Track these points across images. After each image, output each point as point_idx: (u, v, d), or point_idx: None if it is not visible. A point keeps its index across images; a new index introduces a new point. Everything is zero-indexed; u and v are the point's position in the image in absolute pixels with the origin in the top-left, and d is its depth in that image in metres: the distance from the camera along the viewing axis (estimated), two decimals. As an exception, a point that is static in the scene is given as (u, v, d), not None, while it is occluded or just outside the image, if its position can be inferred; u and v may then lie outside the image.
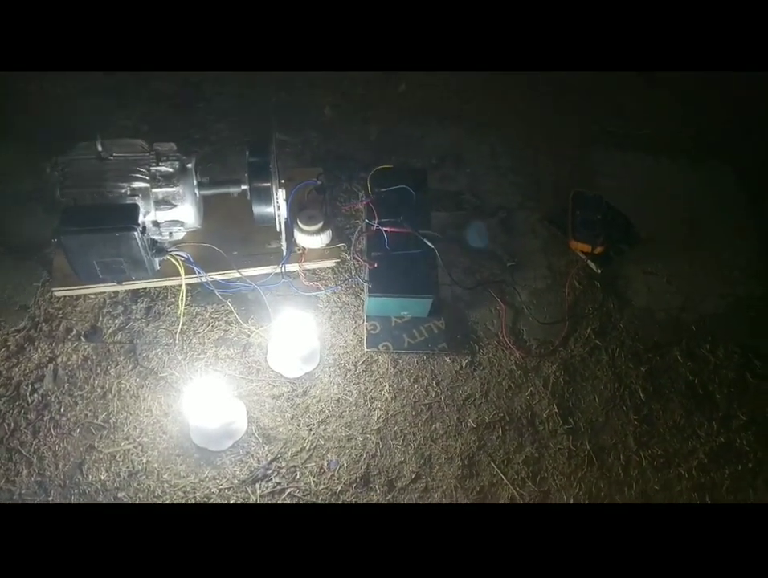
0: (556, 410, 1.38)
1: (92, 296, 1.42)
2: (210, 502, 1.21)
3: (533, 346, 1.47)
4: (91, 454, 1.25)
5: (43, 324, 1.38)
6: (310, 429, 1.31)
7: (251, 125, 1.74)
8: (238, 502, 1.22)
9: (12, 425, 1.26)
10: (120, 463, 1.25)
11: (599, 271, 1.57)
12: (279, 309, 1.38)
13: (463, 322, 1.49)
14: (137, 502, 1.20)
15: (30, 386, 1.31)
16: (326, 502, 1.23)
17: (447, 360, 1.43)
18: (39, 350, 1.35)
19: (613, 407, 1.40)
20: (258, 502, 1.21)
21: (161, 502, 1.21)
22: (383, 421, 1.34)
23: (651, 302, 1.56)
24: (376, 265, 1.41)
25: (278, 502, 1.22)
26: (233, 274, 1.42)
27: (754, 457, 1.36)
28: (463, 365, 1.43)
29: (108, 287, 1.39)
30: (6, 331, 1.36)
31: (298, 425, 1.32)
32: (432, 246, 1.43)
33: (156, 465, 1.25)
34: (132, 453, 1.26)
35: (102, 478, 1.23)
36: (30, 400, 1.29)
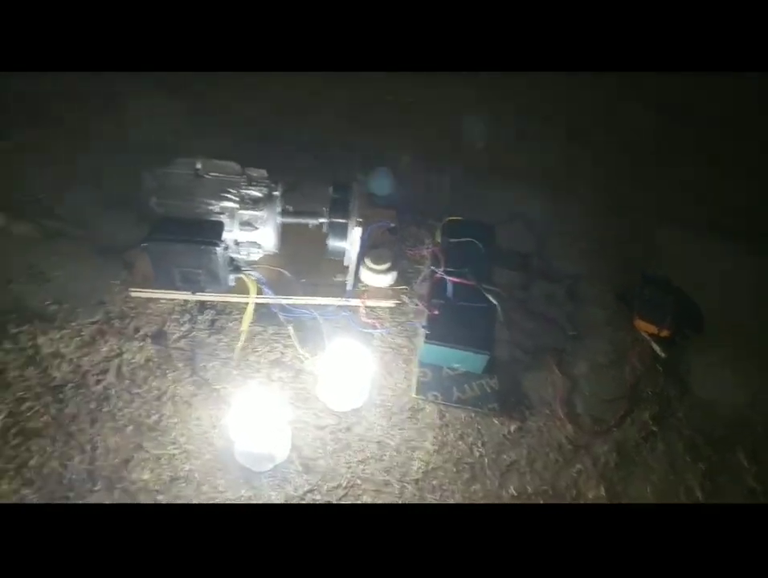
0: (603, 493, 1.33)
1: (164, 301, 1.49)
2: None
3: (586, 421, 1.43)
4: (139, 453, 1.28)
5: (116, 321, 1.45)
6: (349, 467, 1.31)
7: (330, 162, 1.81)
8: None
9: (74, 411, 1.31)
10: (165, 466, 1.27)
11: (663, 355, 1.53)
12: (335, 341, 1.40)
13: (516, 385, 1.47)
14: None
15: (95, 377, 1.37)
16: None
17: (496, 422, 1.41)
18: (108, 344, 1.41)
19: (665, 501, 1.33)
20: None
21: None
22: (423, 472, 1.32)
23: (715, 394, 1.49)
24: (436, 312, 1.42)
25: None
26: (298, 300, 1.45)
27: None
28: (512, 430, 1.40)
29: (181, 295, 1.45)
30: (82, 321, 1.43)
31: (337, 461, 1.32)
32: (495, 302, 1.43)
33: (197, 475, 1.27)
34: (176, 459, 1.28)
35: (145, 478, 1.25)
36: (93, 391, 1.35)
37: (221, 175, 1.36)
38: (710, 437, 1.42)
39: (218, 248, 1.24)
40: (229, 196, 1.33)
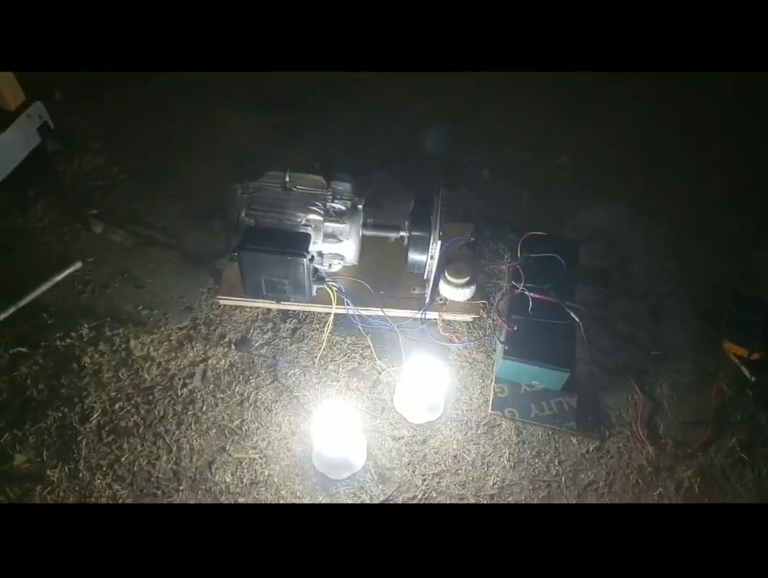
0: (687, 519, 1.28)
1: (248, 309, 1.55)
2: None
3: (668, 444, 1.39)
4: (222, 455, 1.34)
5: (202, 327, 1.52)
6: (424, 479, 1.32)
7: (409, 177, 1.83)
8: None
9: (162, 412, 1.38)
10: (245, 470, 1.32)
11: (753, 379, 1.46)
12: (412, 353, 1.42)
13: (596, 404, 1.44)
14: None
15: (182, 380, 1.43)
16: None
17: (574, 441, 1.38)
18: (195, 349, 1.48)
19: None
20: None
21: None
22: (498, 488, 1.31)
23: (810, 424, 1.42)
24: (515, 328, 1.41)
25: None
26: (376, 311, 1.48)
27: None
28: (590, 449, 1.37)
29: (265, 304, 1.50)
30: (171, 326, 1.51)
31: (413, 472, 1.33)
32: (577, 319, 1.41)
33: (276, 479, 1.31)
34: (257, 463, 1.33)
35: (227, 480, 1.30)
36: (179, 394, 1.41)
37: (308, 188, 1.40)
38: (805, 467, 1.35)
39: (304, 259, 1.28)
40: (315, 208, 1.38)
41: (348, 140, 1.97)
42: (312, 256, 1.32)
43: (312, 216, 1.38)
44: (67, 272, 1.56)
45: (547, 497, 1.31)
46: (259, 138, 1.95)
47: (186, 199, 1.75)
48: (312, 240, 1.36)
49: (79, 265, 1.58)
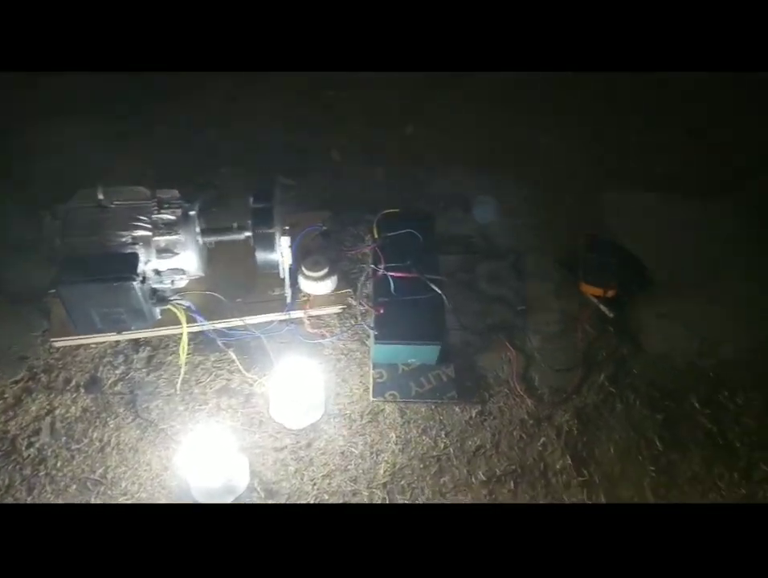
0: (569, 462, 1.32)
1: (93, 346, 1.39)
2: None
3: (545, 394, 1.42)
4: (87, 512, 1.20)
5: (42, 375, 1.35)
6: (314, 484, 1.26)
7: (256, 169, 1.73)
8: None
9: (7, 480, 1.22)
10: (117, 521, 1.19)
11: (612, 316, 1.53)
12: (283, 357, 1.34)
13: (473, 369, 1.44)
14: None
15: (26, 440, 1.27)
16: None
17: (457, 410, 1.38)
18: (37, 402, 1.32)
19: (629, 458, 1.34)
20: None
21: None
22: (390, 474, 1.28)
23: (666, 347, 1.51)
24: (382, 311, 1.38)
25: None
26: (236, 322, 1.39)
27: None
28: (473, 415, 1.38)
29: (107, 337, 1.36)
30: (3, 382, 1.33)
31: (302, 479, 1.27)
32: (439, 291, 1.40)
33: (154, 523, 1.20)
34: (129, 511, 1.21)
35: (98, 537, 1.17)
36: (25, 455, 1.25)
37: (128, 202, 1.27)
38: (665, 389, 1.43)
39: (134, 282, 1.16)
40: (139, 223, 1.25)
41: (183, 140, 1.83)
42: (144, 277, 1.19)
43: (137, 232, 1.24)
44: None
45: (439, 471, 1.29)
46: (81, 152, 1.76)
47: (2, 235, 1.54)
48: (142, 259, 1.23)
49: None
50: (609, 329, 1.52)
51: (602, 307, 1.54)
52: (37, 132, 1.79)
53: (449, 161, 1.85)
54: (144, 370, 1.38)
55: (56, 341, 1.35)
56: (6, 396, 1.31)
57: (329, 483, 1.27)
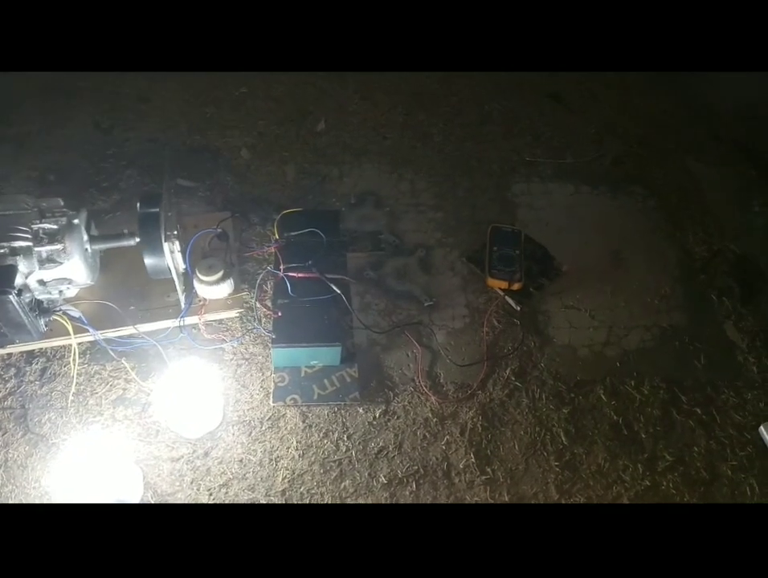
0: (473, 460, 1.32)
1: (-19, 360, 1.35)
2: None
3: (450, 390, 1.42)
4: (-28, 533, 1.16)
5: (-75, 392, 1.30)
6: (210, 494, 1.24)
7: (161, 171, 1.69)
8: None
9: None
10: (3, 541, 1.16)
11: (518, 308, 1.53)
12: (178, 364, 1.32)
13: (378, 368, 1.43)
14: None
15: None
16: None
17: (360, 411, 1.37)
18: None
19: (533, 453, 1.34)
20: None
21: None
22: (289, 481, 1.27)
23: (573, 338, 1.52)
24: (279, 314, 1.36)
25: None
26: (129, 330, 1.35)
27: (681, 501, 1.31)
28: (377, 415, 1.37)
29: (1, 350, 1.32)
30: None
31: (198, 490, 1.24)
32: (338, 291, 1.38)
33: (41, 541, 1.16)
34: (15, 531, 1.17)
35: (-20, 559, 1.14)
36: None
37: (6, 212, 1.22)
38: (571, 381, 1.44)
39: (9, 296, 1.12)
40: (18, 234, 1.20)
41: (84, 143, 1.77)
42: (21, 290, 1.15)
43: (16, 243, 1.20)
44: None
45: (339, 476, 1.28)
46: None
47: None
48: (22, 270, 1.19)
49: None
50: (516, 322, 1.53)
51: (508, 300, 1.55)
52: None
53: (360, 157, 1.83)
54: (37, 383, 1.34)
55: (-63, 358, 1.30)
56: None
57: (226, 492, 1.25)
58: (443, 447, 1.34)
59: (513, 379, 1.44)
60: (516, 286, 1.54)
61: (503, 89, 2.06)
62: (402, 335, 1.48)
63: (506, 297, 1.54)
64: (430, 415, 1.38)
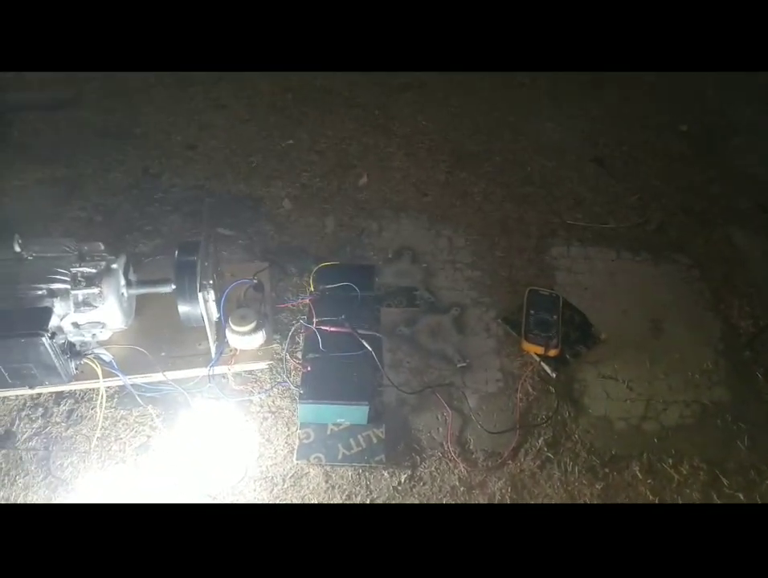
0: (500, 533, 1.25)
1: (12, 397, 1.36)
2: None
3: (479, 458, 1.36)
4: (-15, 578, 1.14)
5: (-46, 428, 1.31)
6: (227, 552, 1.20)
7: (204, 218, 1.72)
8: None
9: None
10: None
11: (554, 375, 1.49)
12: (204, 415, 1.30)
13: (406, 430, 1.39)
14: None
15: (-73, 499, 1.22)
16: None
17: (385, 474, 1.32)
18: (-55, 456, 1.27)
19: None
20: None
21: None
22: (307, 543, 1.22)
23: (609, 409, 1.45)
24: (309, 368, 1.34)
25: None
26: (158, 376, 1.35)
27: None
28: (402, 480, 1.32)
29: (22, 391, 1.32)
30: None
31: (215, 547, 1.21)
32: (369, 348, 1.36)
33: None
34: (29, 577, 1.15)
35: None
36: (-74, 514, 1.20)
37: (47, 254, 1.25)
38: (606, 455, 1.38)
39: (42, 338, 1.13)
40: (57, 277, 1.22)
41: (133, 187, 1.83)
42: (54, 332, 1.16)
43: (55, 285, 1.22)
44: None
45: (360, 542, 1.23)
46: (29, 198, 1.76)
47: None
48: (59, 312, 1.21)
49: None
50: (550, 390, 1.47)
51: (544, 366, 1.50)
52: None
53: (399, 212, 1.83)
54: (63, 424, 1.34)
55: (-31, 394, 1.31)
56: None
57: (243, 551, 1.21)
58: (470, 519, 1.28)
59: (546, 449, 1.38)
60: (552, 353, 1.49)
61: (545, 151, 2.07)
62: (432, 397, 1.44)
63: (542, 363, 1.50)
64: (457, 483, 1.32)
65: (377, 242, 1.76)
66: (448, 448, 1.36)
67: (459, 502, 1.29)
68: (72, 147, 1.93)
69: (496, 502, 1.30)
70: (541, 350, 1.50)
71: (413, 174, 1.95)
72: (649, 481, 1.34)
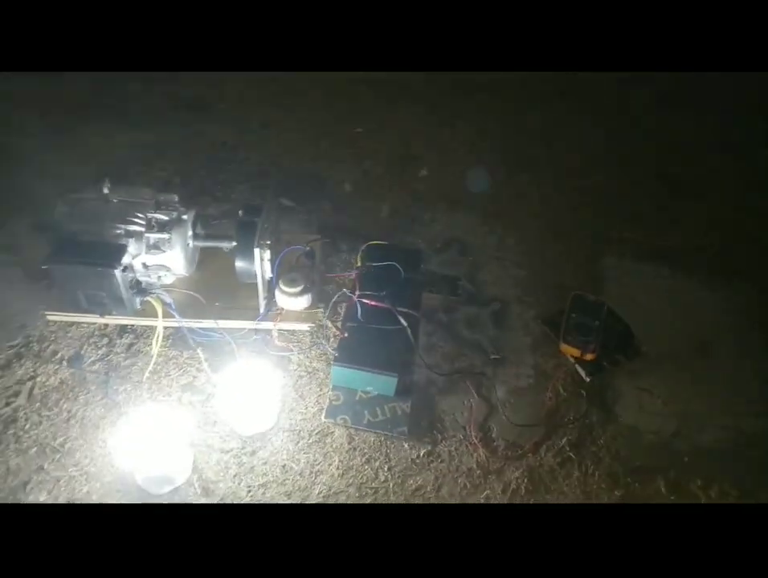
0: (509, 520, 1.28)
1: (85, 325, 1.51)
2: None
3: (500, 447, 1.39)
4: (39, 475, 1.28)
5: (35, 344, 1.47)
6: (249, 490, 1.29)
7: (271, 190, 1.84)
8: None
9: (-24, 433, 1.33)
10: (63, 488, 1.26)
11: (588, 379, 1.49)
12: (240, 364, 1.40)
13: (430, 409, 1.44)
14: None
15: (5, 400, 1.38)
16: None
17: (406, 446, 1.38)
18: (24, 367, 1.43)
19: (575, 529, 1.28)
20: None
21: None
22: (324, 496, 1.29)
23: (640, 421, 1.44)
24: (346, 334, 1.41)
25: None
26: (210, 323, 1.46)
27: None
28: (421, 454, 1.37)
29: (94, 319, 1.47)
30: (0, 345, 1.46)
31: (239, 484, 1.30)
32: (405, 324, 1.42)
33: (94, 496, 1.26)
34: (76, 481, 1.28)
35: (41, 499, 1.25)
36: (1, 413, 1.36)
37: (129, 199, 1.39)
38: (630, 465, 1.37)
39: (115, 270, 1.26)
40: (135, 219, 1.36)
41: (211, 156, 1.98)
42: (126, 267, 1.30)
43: (132, 227, 1.36)
44: None
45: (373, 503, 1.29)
46: (121, 156, 1.95)
47: (36, 217, 1.72)
48: (133, 251, 1.34)
49: None
50: (582, 393, 1.48)
51: (578, 369, 1.50)
52: (86, 135, 2.00)
53: (454, 206, 1.89)
54: (122, 355, 1.47)
55: (49, 315, 1.47)
56: (-1, 357, 1.44)
57: (264, 493, 1.29)
58: (482, 500, 1.30)
59: (568, 449, 1.39)
60: (589, 357, 1.50)
61: (610, 162, 2.06)
62: (461, 383, 1.48)
63: (576, 365, 1.51)
64: (474, 466, 1.35)
65: (428, 232, 1.82)
66: (470, 432, 1.40)
67: (474, 484, 1.33)
68: (161, 116, 2.11)
69: (510, 490, 1.32)
70: (577, 353, 1.50)
71: (472, 172, 2.00)
72: (672, 497, 1.32)
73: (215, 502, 1.27)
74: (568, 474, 1.35)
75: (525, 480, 1.34)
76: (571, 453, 1.38)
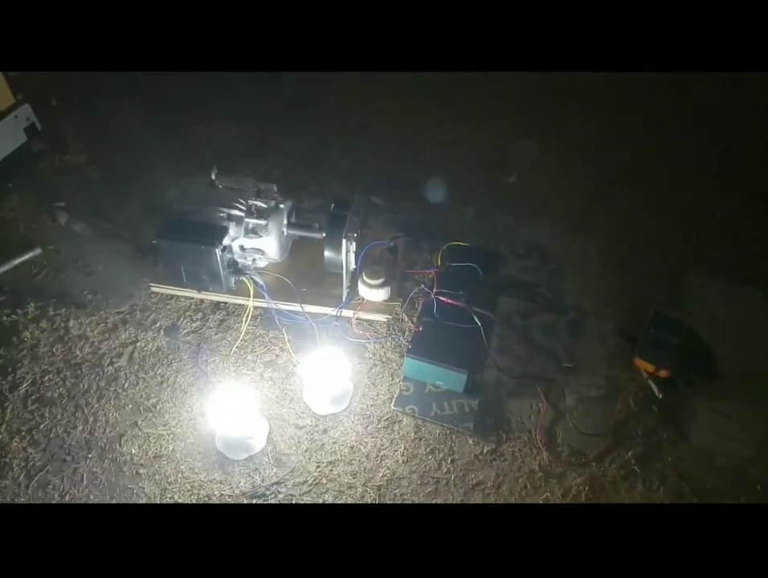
0: (567, 526, 1.29)
1: (183, 299, 1.65)
2: (209, 503, 1.31)
3: (564, 452, 1.40)
4: (133, 430, 1.42)
5: (138, 312, 1.63)
6: (318, 466, 1.37)
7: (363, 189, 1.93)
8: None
9: (86, 386, 1.49)
10: (152, 444, 1.40)
11: (660, 396, 1.46)
12: (322, 348, 1.49)
13: (498, 409, 1.47)
14: (153, 482, 1.34)
15: (110, 359, 1.54)
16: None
17: (470, 442, 1.41)
18: (127, 332, 1.59)
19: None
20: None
21: (171, 487, 1.33)
22: (387, 479, 1.35)
23: (714, 444, 1.40)
24: (421, 328, 1.47)
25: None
26: (296, 307, 1.56)
27: None
28: (485, 451, 1.40)
29: (192, 294, 1.61)
30: (109, 310, 1.63)
31: (309, 459, 1.38)
32: (479, 324, 1.46)
33: (178, 454, 1.39)
34: (163, 439, 1.41)
35: (133, 451, 1.39)
36: (105, 371, 1.52)
37: (234, 186, 1.52)
38: (699, 486, 1.34)
39: (216, 249, 1.39)
40: (237, 205, 1.48)
41: (309, 153, 2.09)
42: (225, 247, 1.42)
43: (233, 211, 1.48)
44: (26, 257, 1.71)
45: (434, 492, 1.33)
46: (228, 148, 2.10)
47: (149, 198, 1.89)
48: (232, 234, 1.46)
49: (38, 251, 1.73)
50: (653, 409, 1.46)
51: (651, 384, 1.48)
52: (198, 128, 2.18)
53: (540, 214, 1.90)
54: (214, 329, 1.60)
55: (153, 286, 1.63)
56: (108, 321, 1.61)
57: (331, 470, 1.37)
58: (540, 502, 1.32)
59: (633, 463, 1.38)
60: (663, 374, 1.47)
61: (706, 180, 2.00)
62: (531, 387, 1.50)
63: (650, 381, 1.49)
64: (536, 468, 1.37)
65: (511, 237, 1.84)
66: (536, 435, 1.42)
67: (534, 485, 1.34)
68: (266, 113, 2.26)
69: (571, 495, 1.33)
70: (652, 368, 1.48)
71: (562, 181, 2.00)
72: (740, 523, 1.28)
73: (284, 473, 1.36)
74: (631, 487, 1.34)
75: (587, 487, 1.34)
76: (636, 467, 1.37)
